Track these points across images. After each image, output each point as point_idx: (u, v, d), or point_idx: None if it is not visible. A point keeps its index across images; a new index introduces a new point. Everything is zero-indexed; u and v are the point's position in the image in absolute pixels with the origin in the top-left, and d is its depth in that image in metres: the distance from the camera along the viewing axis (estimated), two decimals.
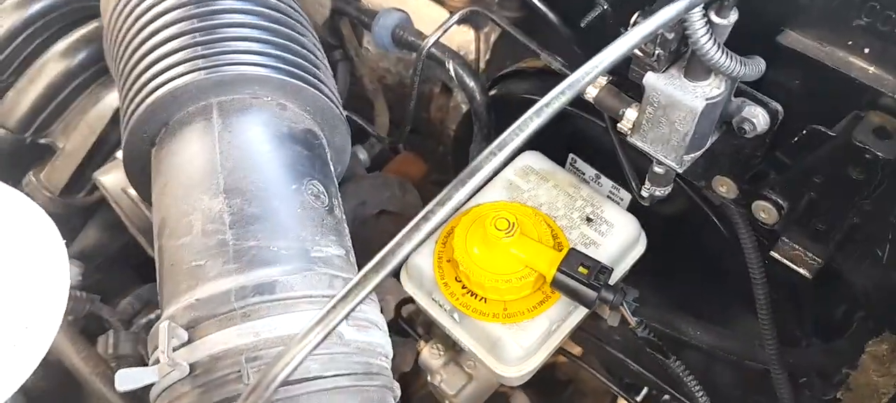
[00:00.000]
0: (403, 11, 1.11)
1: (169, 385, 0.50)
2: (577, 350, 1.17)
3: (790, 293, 0.93)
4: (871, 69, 0.58)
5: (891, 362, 0.87)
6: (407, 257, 0.37)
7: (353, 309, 0.36)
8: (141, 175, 0.66)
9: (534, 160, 0.98)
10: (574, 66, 0.85)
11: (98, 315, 1.04)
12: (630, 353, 1.08)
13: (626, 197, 0.97)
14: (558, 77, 0.87)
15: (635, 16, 0.65)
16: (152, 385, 0.51)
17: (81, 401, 0.94)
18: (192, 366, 0.49)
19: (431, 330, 1.04)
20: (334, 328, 0.36)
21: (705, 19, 0.56)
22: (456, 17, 0.90)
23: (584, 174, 1.00)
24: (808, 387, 0.98)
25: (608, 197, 0.97)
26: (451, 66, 1.00)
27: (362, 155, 1.28)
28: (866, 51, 0.58)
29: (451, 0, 1.17)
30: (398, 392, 0.58)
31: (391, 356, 0.59)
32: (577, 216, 0.91)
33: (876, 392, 0.87)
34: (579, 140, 1.01)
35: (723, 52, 0.57)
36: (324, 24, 1.30)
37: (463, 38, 1.18)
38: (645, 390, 1.17)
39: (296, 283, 0.53)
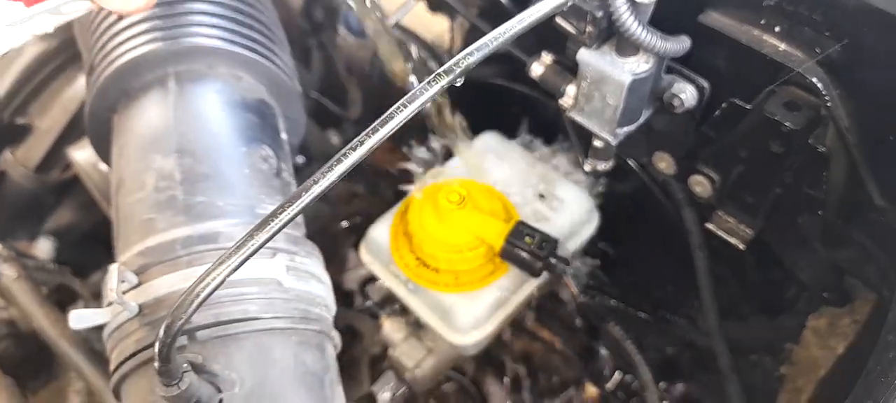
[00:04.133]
0: None
1: (119, 324, 0.53)
2: (547, 336, 1.20)
3: (734, 269, 0.97)
4: (782, 46, 0.63)
5: (829, 336, 0.92)
6: (323, 192, 0.41)
7: (263, 245, 0.40)
8: (103, 141, 0.70)
9: (492, 140, 1.02)
10: (523, 50, 0.89)
11: (70, 287, 1.08)
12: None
13: (581, 178, 1.01)
14: (517, 61, 0.92)
15: None
16: (105, 326, 0.55)
17: (52, 367, 0.97)
18: (141, 307, 0.53)
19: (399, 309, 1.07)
20: (244, 261, 0.39)
21: None
22: (412, 2, 0.94)
23: (540, 153, 1.04)
24: (759, 365, 1.02)
25: (564, 176, 1.01)
26: (413, 49, 1.04)
27: (335, 139, 1.32)
28: (777, 29, 0.62)
29: None
30: (338, 342, 0.62)
31: (333, 309, 0.63)
32: (530, 192, 0.95)
33: (816, 366, 0.92)
34: (538, 123, 1.05)
35: (645, 29, 0.62)
36: (300, 12, 1.34)
37: (439, 28, 1.23)
38: (616, 374, 1.20)
39: (239, 234, 0.56)
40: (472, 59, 0.47)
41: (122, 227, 0.60)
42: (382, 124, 0.43)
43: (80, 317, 0.53)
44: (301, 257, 0.59)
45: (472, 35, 1.19)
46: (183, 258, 0.54)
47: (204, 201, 0.58)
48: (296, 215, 0.40)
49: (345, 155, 0.42)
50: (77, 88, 1.09)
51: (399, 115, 0.44)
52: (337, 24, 1.29)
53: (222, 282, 0.40)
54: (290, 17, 1.36)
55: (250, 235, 0.40)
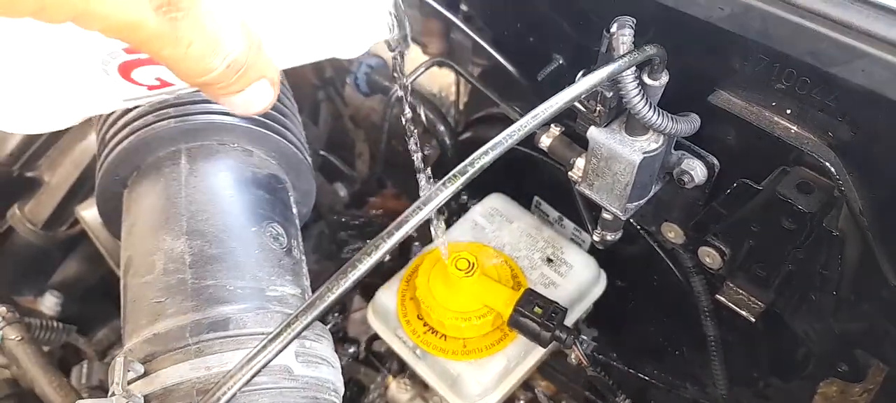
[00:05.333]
0: (380, 57, 1.16)
1: None
2: (551, 389, 1.19)
3: (744, 335, 0.96)
4: (794, 128, 0.63)
5: None
6: (337, 299, 0.41)
7: (284, 347, 0.39)
8: (113, 215, 0.70)
9: (499, 202, 1.02)
10: None
11: (75, 345, 1.07)
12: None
13: (588, 239, 1.00)
14: None
15: (580, 74, 0.70)
16: None
17: None
18: (147, 398, 0.52)
19: (404, 367, 1.06)
20: (264, 365, 0.39)
21: (637, 81, 0.60)
22: (422, 68, 0.95)
23: (548, 216, 1.04)
24: None
25: (571, 239, 1.01)
26: (422, 111, 1.05)
27: (342, 192, 1.33)
28: (788, 112, 0.62)
29: (430, 47, 1.22)
30: None
31: (342, 392, 0.62)
32: (538, 256, 0.95)
33: None
34: (544, 184, 1.05)
35: (654, 111, 0.62)
36: (309, 67, 1.35)
37: (444, 81, 1.24)
38: None
39: (249, 321, 0.56)
40: (487, 159, 0.47)
41: (130, 310, 0.60)
42: (398, 228, 0.43)
43: None
44: (311, 341, 0.58)
45: (477, 90, 1.20)
46: (191, 346, 0.54)
47: (214, 285, 0.58)
48: (308, 325, 0.40)
49: (359, 260, 0.42)
50: (88, 143, 1.10)
51: (414, 218, 0.44)
52: (346, 79, 1.30)
53: (234, 395, 0.39)
54: (300, 72, 1.37)
55: (263, 345, 0.40)
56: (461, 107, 1.24)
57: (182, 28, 0.32)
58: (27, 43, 0.36)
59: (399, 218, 0.43)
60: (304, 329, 0.41)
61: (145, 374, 0.53)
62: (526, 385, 1.10)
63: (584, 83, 0.53)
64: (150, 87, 0.41)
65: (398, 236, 0.43)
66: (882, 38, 0.50)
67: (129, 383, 0.53)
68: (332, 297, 0.41)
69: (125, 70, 0.38)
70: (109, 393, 0.53)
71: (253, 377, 0.40)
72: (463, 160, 1.07)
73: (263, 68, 0.38)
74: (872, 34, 0.51)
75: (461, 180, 0.45)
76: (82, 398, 0.92)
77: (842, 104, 0.59)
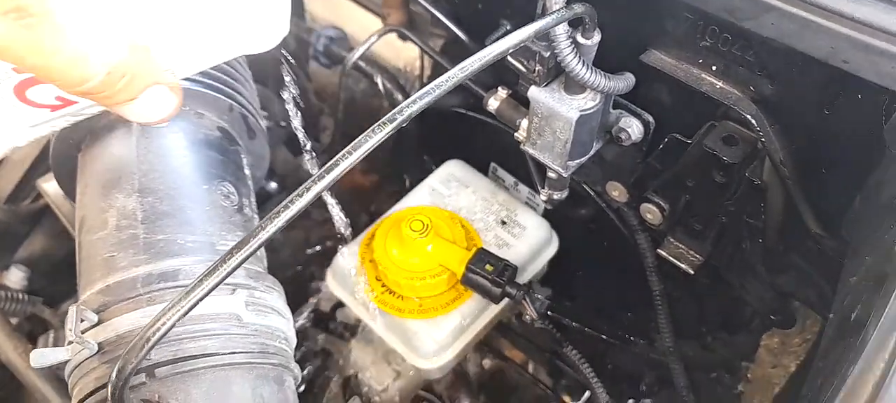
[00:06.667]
0: (339, 29, 1.18)
1: (80, 362, 0.55)
2: (519, 356, 1.22)
3: (690, 291, 1.00)
4: (719, 84, 0.66)
5: (782, 354, 0.95)
6: (271, 237, 0.44)
7: (215, 287, 0.42)
8: (69, 178, 0.72)
9: (456, 168, 1.05)
10: (481, 83, 0.92)
11: (41, 317, 1.09)
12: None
13: (542, 202, 1.04)
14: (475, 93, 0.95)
15: None
16: (67, 363, 0.57)
17: (22, 398, 0.98)
18: (101, 345, 0.55)
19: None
20: (195, 303, 0.42)
21: (570, 40, 0.63)
22: (374, 37, 0.97)
23: (503, 181, 1.07)
24: (719, 383, 1.05)
25: (525, 202, 1.04)
26: (379, 80, 1.07)
27: (307, 165, 1.34)
28: (714, 68, 0.66)
29: (390, 18, 1.24)
30: (298, 374, 0.64)
31: (293, 341, 0.65)
32: (492, 219, 0.98)
33: (770, 384, 0.95)
34: (501, 151, 1.08)
35: (588, 68, 0.65)
36: None
37: (409, 56, 1.26)
38: (586, 394, 1.22)
39: (198, 272, 0.58)
40: (414, 108, 0.49)
41: (83, 265, 0.62)
42: (328, 171, 0.46)
43: (41, 356, 0.55)
44: (260, 292, 0.61)
45: (440, 62, 1.22)
46: (143, 296, 0.56)
47: (165, 239, 0.60)
48: (242, 262, 0.43)
49: (292, 201, 0.45)
50: None
51: (344, 162, 0.46)
52: (309, 55, 1.31)
53: (172, 326, 0.42)
54: None
55: (201, 280, 0.42)
56: (425, 80, 1.26)
57: (41, 34, 0.31)
58: None
59: (330, 163, 0.46)
60: (241, 263, 0.43)
61: (99, 323, 0.56)
62: (494, 349, 1.14)
63: (512, 37, 0.55)
64: (53, 108, 0.40)
65: (330, 178, 0.45)
66: None
67: (82, 332, 0.55)
68: (265, 235, 0.43)
69: (20, 91, 0.38)
70: (65, 341, 0.56)
71: (192, 308, 0.42)
72: (422, 129, 1.09)
73: (155, 74, 0.37)
74: None
75: (389, 128, 0.48)
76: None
77: (759, 58, 0.62)
